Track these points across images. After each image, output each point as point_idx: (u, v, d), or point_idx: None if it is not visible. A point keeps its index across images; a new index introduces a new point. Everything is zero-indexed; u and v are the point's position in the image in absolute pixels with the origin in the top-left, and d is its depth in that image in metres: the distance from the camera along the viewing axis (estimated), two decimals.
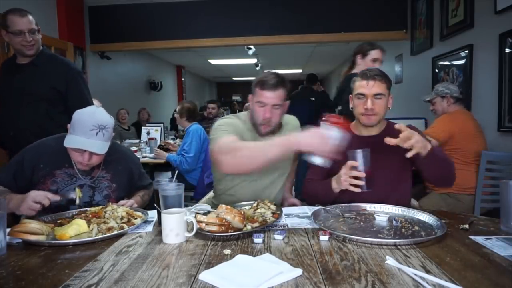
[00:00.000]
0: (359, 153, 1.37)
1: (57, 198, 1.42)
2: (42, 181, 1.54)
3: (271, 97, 1.57)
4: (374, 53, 2.63)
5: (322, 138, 1.26)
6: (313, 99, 4.82)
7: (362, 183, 1.37)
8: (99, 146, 1.48)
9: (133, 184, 1.73)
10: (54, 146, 1.57)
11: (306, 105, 4.74)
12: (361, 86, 1.56)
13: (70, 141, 1.48)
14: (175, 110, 3.89)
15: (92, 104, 2.26)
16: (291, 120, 1.84)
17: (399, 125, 1.38)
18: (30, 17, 2.13)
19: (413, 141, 1.32)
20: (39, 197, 1.37)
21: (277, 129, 1.72)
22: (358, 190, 1.38)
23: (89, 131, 1.46)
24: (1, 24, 2.12)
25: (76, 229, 1.25)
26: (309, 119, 4.66)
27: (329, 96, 5.10)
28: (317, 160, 1.32)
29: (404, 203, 1.54)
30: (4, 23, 2.09)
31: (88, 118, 1.49)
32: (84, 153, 1.49)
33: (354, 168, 1.38)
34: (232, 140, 1.47)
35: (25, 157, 1.57)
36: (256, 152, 1.37)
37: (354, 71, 2.65)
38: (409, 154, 1.34)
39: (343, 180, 1.41)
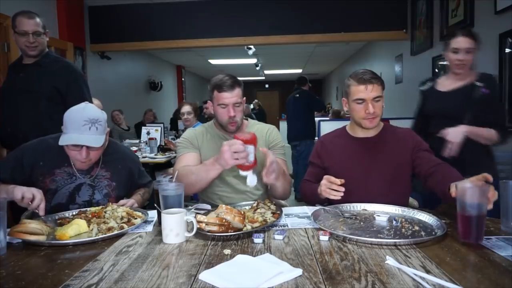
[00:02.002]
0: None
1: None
2: (42, 180, 1.54)
3: (231, 96, 1.68)
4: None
5: (230, 151, 1.41)
6: (298, 95, 5.07)
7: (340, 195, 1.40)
8: (94, 140, 1.47)
9: (133, 183, 1.73)
10: (54, 145, 1.54)
11: (291, 102, 5.14)
12: (359, 91, 1.55)
13: (65, 139, 1.47)
14: (178, 110, 4.03)
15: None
16: (264, 127, 1.86)
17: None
18: (38, 19, 2.21)
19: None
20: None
21: (242, 126, 1.82)
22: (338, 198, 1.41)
23: (81, 126, 1.45)
24: (11, 24, 2.22)
25: (76, 229, 1.25)
26: (294, 115, 4.98)
27: (313, 96, 5.22)
28: (249, 181, 1.47)
29: (401, 203, 1.54)
30: (13, 23, 2.20)
31: (78, 115, 1.48)
32: (81, 150, 1.47)
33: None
34: (182, 166, 1.67)
35: (24, 153, 1.57)
36: (200, 176, 1.57)
37: None
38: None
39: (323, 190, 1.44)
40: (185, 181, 1.51)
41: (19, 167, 1.54)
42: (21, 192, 1.35)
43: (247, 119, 1.90)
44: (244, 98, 1.78)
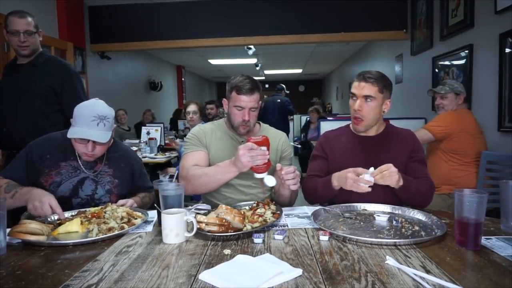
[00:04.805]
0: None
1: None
2: (47, 172, 1.58)
3: (248, 101, 1.65)
4: None
5: (250, 152, 1.43)
6: (279, 100, 6.53)
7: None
8: (101, 135, 1.52)
9: (134, 182, 1.74)
10: (61, 139, 1.62)
11: (274, 105, 6.51)
12: (354, 86, 1.59)
13: (73, 132, 1.52)
14: (180, 110, 4.00)
15: None
16: (277, 134, 1.85)
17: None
18: (30, 19, 2.20)
19: (385, 173, 1.40)
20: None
21: (254, 129, 1.79)
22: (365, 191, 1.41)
23: (90, 121, 1.50)
24: (4, 24, 2.22)
25: (65, 227, 1.26)
26: (277, 117, 6.24)
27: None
28: (268, 182, 1.49)
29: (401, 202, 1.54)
30: (5, 23, 2.20)
31: (88, 110, 1.53)
32: (88, 144, 1.53)
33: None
34: (192, 166, 1.66)
35: (34, 149, 1.62)
36: (215, 178, 1.58)
37: None
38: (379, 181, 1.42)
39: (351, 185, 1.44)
40: (196, 182, 1.54)
41: (30, 162, 1.59)
42: (33, 208, 1.37)
43: (259, 123, 1.87)
44: (260, 102, 1.74)
